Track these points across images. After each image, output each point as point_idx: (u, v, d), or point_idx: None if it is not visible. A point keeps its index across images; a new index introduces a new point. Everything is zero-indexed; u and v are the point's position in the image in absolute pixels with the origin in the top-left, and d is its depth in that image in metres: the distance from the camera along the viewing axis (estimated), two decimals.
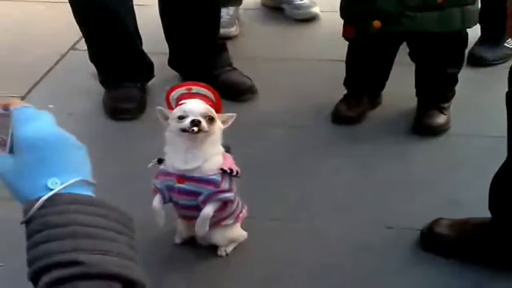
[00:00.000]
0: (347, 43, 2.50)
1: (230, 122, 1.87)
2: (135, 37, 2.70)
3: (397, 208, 2.14)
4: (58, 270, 0.75)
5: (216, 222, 1.91)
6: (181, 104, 1.84)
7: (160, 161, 1.88)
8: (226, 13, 3.10)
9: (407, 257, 1.95)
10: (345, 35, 2.44)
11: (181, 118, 1.80)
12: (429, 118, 2.48)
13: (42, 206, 0.80)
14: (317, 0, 3.38)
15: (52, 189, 0.81)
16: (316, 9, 3.29)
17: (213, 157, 1.84)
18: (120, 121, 2.64)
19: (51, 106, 2.72)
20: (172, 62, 2.86)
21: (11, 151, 0.86)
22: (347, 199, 2.20)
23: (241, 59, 2.93)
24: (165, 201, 1.88)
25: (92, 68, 2.80)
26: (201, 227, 1.86)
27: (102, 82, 2.76)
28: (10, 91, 2.83)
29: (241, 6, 3.39)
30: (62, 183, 0.82)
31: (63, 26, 3.24)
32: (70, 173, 0.83)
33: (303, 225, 2.09)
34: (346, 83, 2.57)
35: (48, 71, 3.03)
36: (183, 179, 1.84)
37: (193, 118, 1.78)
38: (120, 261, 0.79)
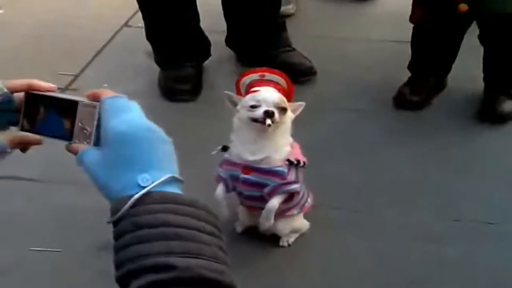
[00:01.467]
0: (409, 24, 2.45)
1: (299, 111, 1.84)
2: (194, 14, 2.69)
3: (464, 199, 2.12)
4: (151, 274, 0.72)
5: (280, 212, 1.90)
6: (253, 91, 1.81)
7: (225, 148, 1.86)
8: None
9: (473, 252, 1.92)
10: (413, 17, 2.38)
11: (253, 107, 1.78)
12: (497, 104, 2.42)
13: (133, 205, 0.76)
14: None
15: (143, 187, 0.77)
16: None
17: (281, 148, 1.83)
18: (176, 103, 2.63)
19: (105, 85, 2.74)
20: (229, 41, 2.83)
21: (96, 143, 0.83)
22: (410, 188, 2.17)
23: (299, 38, 2.89)
24: (228, 190, 1.88)
25: (146, 45, 2.79)
26: (266, 220, 1.86)
27: (158, 61, 2.75)
28: (65, 68, 2.86)
29: None
30: (152, 180, 0.78)
31: (116, 2, 3.23)
32: (160, 170, 0.80)
33: (364, 214, 2.09)
34: (411, 66, 2.51)
35: (102, 49, 3.04)
36: (249, 170, 1.83)
37: (266, 108, 1.76)
38: (214, 265, 0.75)
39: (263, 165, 1.82)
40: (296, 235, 2.01)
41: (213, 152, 1.88)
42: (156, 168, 0.80)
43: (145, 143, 0.81)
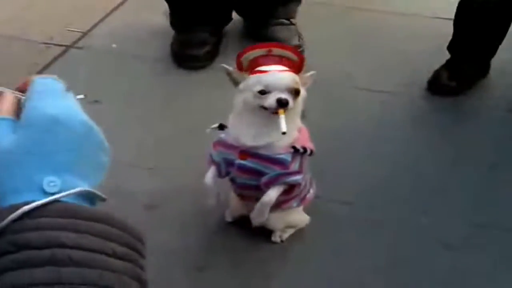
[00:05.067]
0: None
1: (309, 83, 1.68)
2: None
3: (488, 205, 1.94)
4: None
5: (277, 203, 1.75)
6: (260, 72, 1.64)
7: (222, 127, 1.71)
8: None
9: (493, 261, 1.78)
10: None
11: (262, 93, 1.60)
12: None
13: (21, 217, 0.61)
14: None
15: (47, 193, 0.63)
16: None
17: (288, 133, 1.63)
18: (187, 70, 2.49)
19: (114, 45, 2.63)
20: (238, 8, 2.67)
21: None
22: (435, 187, 2.01)
23: (332, 9, 2.69)
24: (220, 175, 1.74)
25: (165, 6, 2.65)
26: (259, 216, 1.72)
27: (172, 23, 2.60)
28: (74, 24, 2.73)
29: None
30: (61, 188, 0.63)
31: None
32: (79, 177, 0.65)
33: (377, 212, 1.94)
34: (451, 46, 2.32)
35: (118, 6, 2.90)
36: (247, 155, 1.69)
37: (279, 96, 1.58)
38: None
39: (264, 151, 1.67)
40: (292, 231, 1.86)
41: (208, 130, 1.72)
42: (74, 173, 0.65)
43: (71, 137, 0.66)
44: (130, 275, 0.63)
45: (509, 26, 2.24)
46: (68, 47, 2.62)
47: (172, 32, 2.63)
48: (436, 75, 2.33)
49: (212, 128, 1.73)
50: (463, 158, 2.09)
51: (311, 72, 1.70)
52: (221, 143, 1.72)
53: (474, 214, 1.90)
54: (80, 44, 2.65)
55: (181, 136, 2.15)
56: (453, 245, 1.81)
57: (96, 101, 2.20)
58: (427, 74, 2.35)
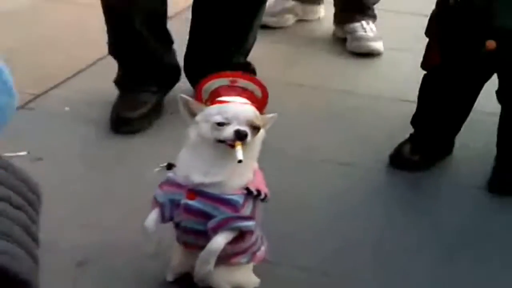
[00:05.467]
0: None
1: (269, 125, 1.60)
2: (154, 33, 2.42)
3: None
4: None
5: (224, 257, 1.59)
6: (220, 102, 1.54)
7: (170, 166, 1.59)
8: None
9: None
10: (426, 62, 2.17)
11: (220, 124, 1.50)
12: (510, 176, 2.13)
13: None
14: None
15: None
16: (378, 44, 3.00)
17: (243, 173, 1.55)
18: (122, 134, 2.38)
19: (67, 108, 2.57)
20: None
21: None
22: (397, 257, 1.88)
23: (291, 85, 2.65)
24: (164, 219, 1.59)
25: None
26: (204, 264, 1.56)
27: (117, 82, 2.49)
28: (29, 88, 2.66)
29: None
30: None
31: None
32: None
33: (336, 280, 1.79)
34: (415, 121, 2.27)
35: (76, 74, 2.82)
36: (195, 194, 1.56)
37: (238, 127, 1.49)
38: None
39: (214, 190, 1.53)
40: None
41: (156, 170, 1.60)
42: None
43: None
44: (22, 225, 0.63)
45: (474, 101, 2.21)
46: (19, 108, 2.52)
47: None
48: (399, 148, 2.26)
49: (160, 167, 1.62)
50: (424, 241, 1.96)
51: (272, 114, 1.62)
52: (168, 182, 1.59)
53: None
54: (31, 105, 2.55)
55: (121, 193, 2.05)
56: None
57: (39, 159, 2.13)
58: (389, 150, 2.28)
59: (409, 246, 1.92)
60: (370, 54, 3.00)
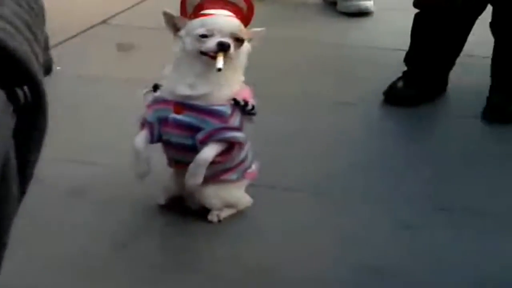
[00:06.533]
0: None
1: (257, 40, 1.59)
2: None
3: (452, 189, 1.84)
4: None
5: (214, 174, 1.59)
6: (204, 15, 1.55)
7: (156, 87, 1.60)
8: None
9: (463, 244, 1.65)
10: None
11: (203, 36, 1.51)
12: (505, 103, 2.15)
13: None
14: None
15: None
16: (368, 3, 3.00)
17: (228, 85, 1.55)
18: None
19: (58, 68, 2.58)
20: None
21: None
22: (390, 179, 1.91)
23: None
24: (152, 139, 1.59)
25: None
26: (193, 176, 1.55)
27: None
28: None
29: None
30: None
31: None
32: None
33: (329, 199, 1.81)
34: (408, 58, 2.28)
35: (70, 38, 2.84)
36: (182, 108, 1.57)
37: (221, 39, 1.50)
38: None
39: (200, 102, 1.54)
40: (232, 211, 1.66)
41: (143, 91, 1.61)
42: None
43: None
44: (25, 21, 0.63)
45: (467, 36, 2.21)
46: None
47: None
48: (392, 84, 2.26)
49: (147, 90, 1.62)
50: (412, 163, 1.98)
51: (260, 29, 1.62)
52: (155, 101, 1.60)
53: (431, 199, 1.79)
54: None
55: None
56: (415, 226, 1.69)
57: None
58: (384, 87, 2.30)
59: (396, 167, 1.94)
60: (361, 14, 3.02)
